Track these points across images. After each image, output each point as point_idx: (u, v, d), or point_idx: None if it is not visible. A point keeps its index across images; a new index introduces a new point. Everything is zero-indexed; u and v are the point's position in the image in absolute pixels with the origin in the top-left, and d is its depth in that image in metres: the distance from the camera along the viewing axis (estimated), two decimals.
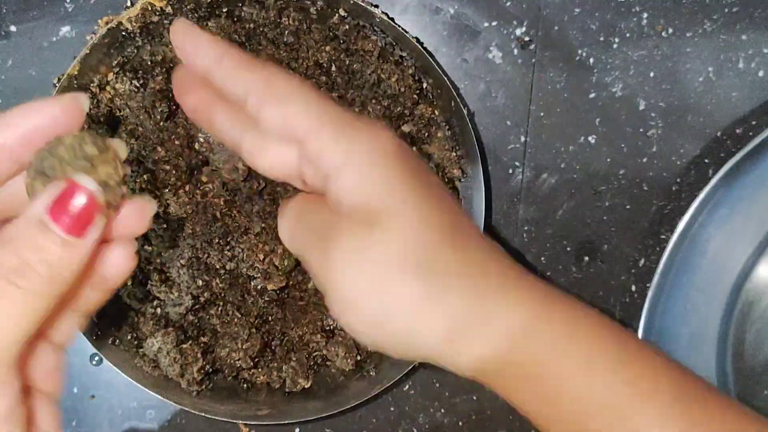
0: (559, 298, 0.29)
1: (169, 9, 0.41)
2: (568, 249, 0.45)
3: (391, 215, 0.27)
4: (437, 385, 0.46)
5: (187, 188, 0.43)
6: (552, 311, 0.28)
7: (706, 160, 0.44)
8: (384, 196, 0.27)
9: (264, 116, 0.28)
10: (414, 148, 0.43)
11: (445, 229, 0.27)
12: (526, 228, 0.45)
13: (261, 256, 0.43)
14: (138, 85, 0.42)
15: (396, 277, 0.27)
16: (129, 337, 0.44)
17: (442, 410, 0.46)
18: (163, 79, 0.42)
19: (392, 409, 0.46)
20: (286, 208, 0.31)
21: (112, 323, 0.44)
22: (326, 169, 0.28)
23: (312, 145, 0.28)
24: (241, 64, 0.29)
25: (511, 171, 0.44)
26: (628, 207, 0.44)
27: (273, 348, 0.44)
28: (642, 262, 0.45)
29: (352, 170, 0.27)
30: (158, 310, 0.44)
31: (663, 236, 0.44)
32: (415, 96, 0.43)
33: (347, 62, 0.42)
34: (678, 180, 0.44)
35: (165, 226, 0.43)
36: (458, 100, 0.41)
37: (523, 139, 0.44)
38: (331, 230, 0.28)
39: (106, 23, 0.43)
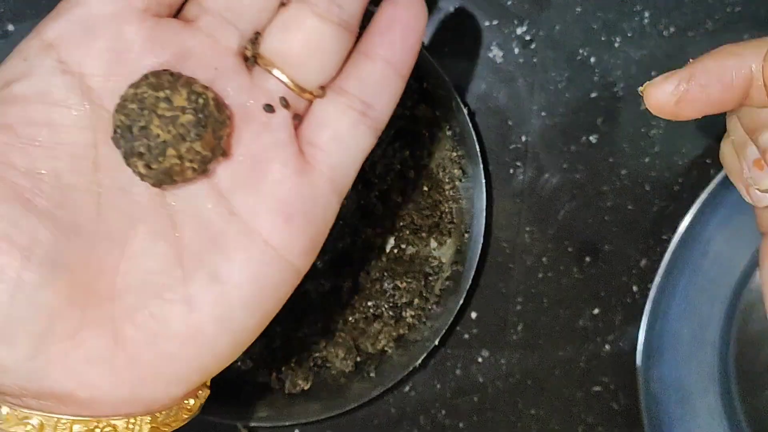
0: None
1: None
2: (570, 249, 0.45)
3: None
4: (438, 386, 0.46)
5: None
6: None
7: (708, 160, 0.44)
8: None
9: None
10: (413, 149, 0.43)
11: None
12: (527, 228, 0.44)
13: None
14: None
15: None
16: None
17: (443, 411, 0.46)
18: None
19: (393, 410, 0.46)
20: None
21: None
22: None
23: None
24: None
25: (512, 171, 0.44)
26: (630, 207, 0.44)
27: (273, 349, 0.44)
28: (643, 262, 0.45)
29: None
30: None
31: (664, 237, 0.44)
32: (415, 96, 0.43)
33: None
34: (680, 180, 0.44)
35: None
36: (458, 100, 0.41)
37: (524, 138, 0.44)
38: None
39: None
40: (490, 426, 0.46)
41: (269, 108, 0.28)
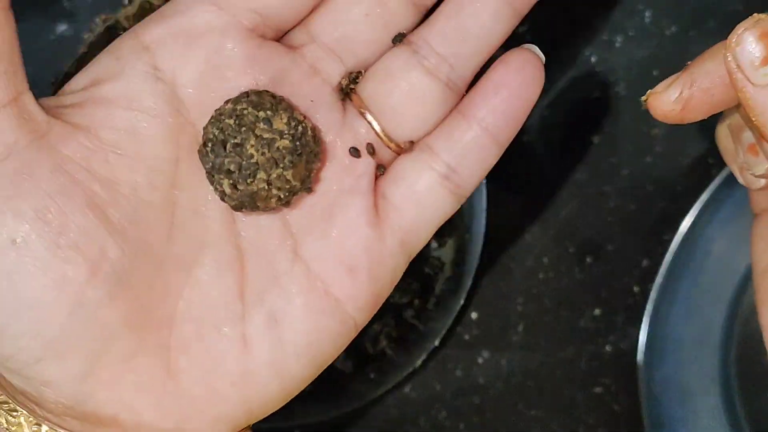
0: None
1: None
2: (571, 250, 0.45)
3: None
4: (438, 387, 0.45)
5: None
6: None
7: (710, 160, 0.44)
8: None
9: None
10: None
11: None
12: (528, 228, 0.44)
13: None
14: None
15: None
16: None
17: (444, 412, 0.46)
18: None
19: (393, 411, 0.46)
20: None
21: None
22: None
23: None
24: None
25: (512, 171, 0.44)
26: (631, 207, 0.44)
27: None
28: (645, 262, 0.44)
29: None
30: None
31: (666, 237, 0.44)
32: None
33: None
34: (681, 180, 0.44)
35: None
36: None
37: (525, 138, 0.44)
38: None
39: (104, 21, 0.42)
40: (490, 427, 0.46)
41: (355, 152, 0.26)
